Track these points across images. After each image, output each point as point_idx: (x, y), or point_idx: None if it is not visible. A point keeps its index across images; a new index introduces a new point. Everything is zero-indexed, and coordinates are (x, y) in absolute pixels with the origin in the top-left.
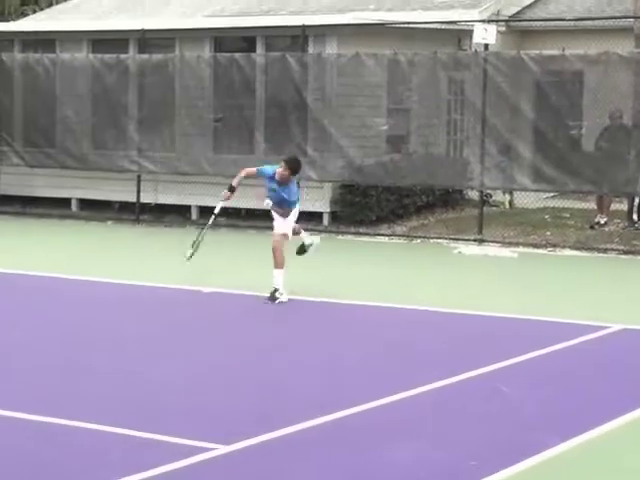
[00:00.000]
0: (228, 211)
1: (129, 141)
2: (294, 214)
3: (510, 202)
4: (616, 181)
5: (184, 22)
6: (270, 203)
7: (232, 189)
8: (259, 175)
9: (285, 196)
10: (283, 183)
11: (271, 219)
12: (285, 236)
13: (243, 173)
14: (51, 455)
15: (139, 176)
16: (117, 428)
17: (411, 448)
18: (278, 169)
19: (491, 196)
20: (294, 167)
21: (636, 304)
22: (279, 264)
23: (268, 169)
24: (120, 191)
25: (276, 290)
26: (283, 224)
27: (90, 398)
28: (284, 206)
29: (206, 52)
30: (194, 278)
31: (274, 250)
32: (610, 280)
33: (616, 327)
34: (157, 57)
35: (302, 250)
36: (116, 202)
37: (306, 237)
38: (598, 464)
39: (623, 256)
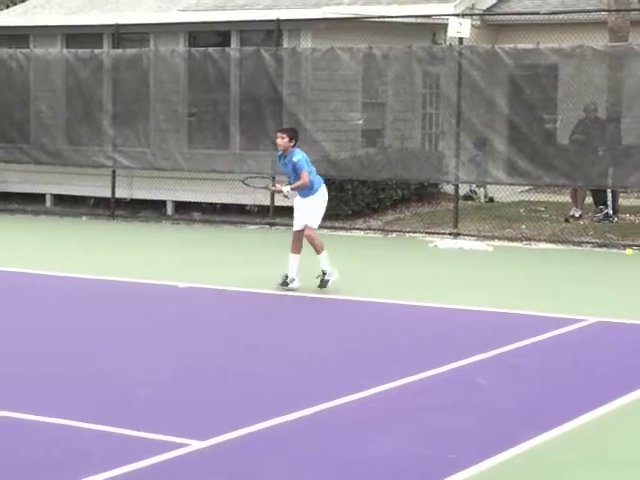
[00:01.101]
0: (202, 206)
1: (104, 136)
2: (316, 205)
3: (486, 195)
4: (590, 174)
5: (158, 17)
6: (288, 189)
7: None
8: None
9: (292, 164)
10: (285, 153)
11: (245, 213)
12: (309, 229)
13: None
14: (28, 451)
15: (114, 171)
16: (93, 424)
17: (389, 441)
18: (277, 140)
19: (476, 193)
20: (289, 132)
21: (610, 297)
22: (320, 249)
23: (277, 158)
24: (95, 186)
25: (324, 273)
26: (303, 216)
27: (67, 394)
28: (293, 188)
29: (180, 47)
30: (170, 273)
31: (309, 239)
32: (585, 273)
33: (591, 320)
34: (131, 52)
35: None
36: (91, 197)
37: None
38: (575, 456)
39: (598, 249)
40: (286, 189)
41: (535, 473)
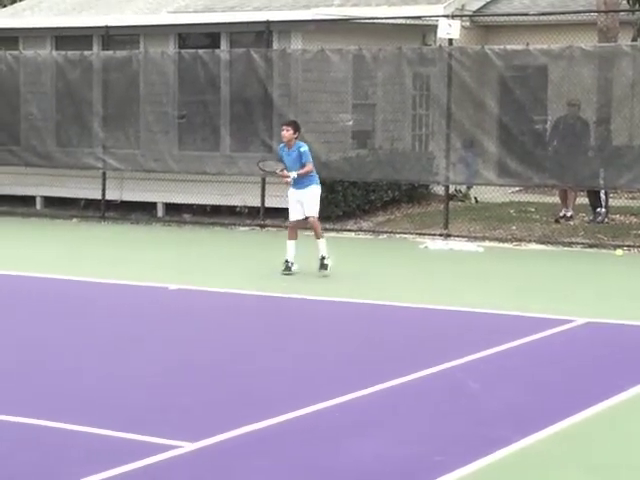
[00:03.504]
0: (193, 207)
1: (94, 138)
2: (315, 195)
3: (476, 197)
4: (580, 175)
5: (148, 18)
6: (295, 174)
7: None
8: (280, 159)
9: (297, 154)
10: (290, 144)
11: (235, 215)
12: (311, 220)
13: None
14: (15, 454)
15: (104, 173)
16: (84, 427)
17: (375, 444)
18: (281, 133)
19: (461, 192)
20: (293, 124)
21: (600, 298)
22: (321, 234)
23: (278, 151)
24: (85, 188)
25: (324, 257)
26: (304, 206)
27: (56, 396)
28: (300, 173)
29: (170, 48)
30: (160, 275)
31: (314, 225)
32: (575, 274)
33: (580, 321)
34: (121, 54)
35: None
36: (81, 199)
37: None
38: (562, 459)
39: (588, 250)
40: (293, 174)
41: (522, 475)
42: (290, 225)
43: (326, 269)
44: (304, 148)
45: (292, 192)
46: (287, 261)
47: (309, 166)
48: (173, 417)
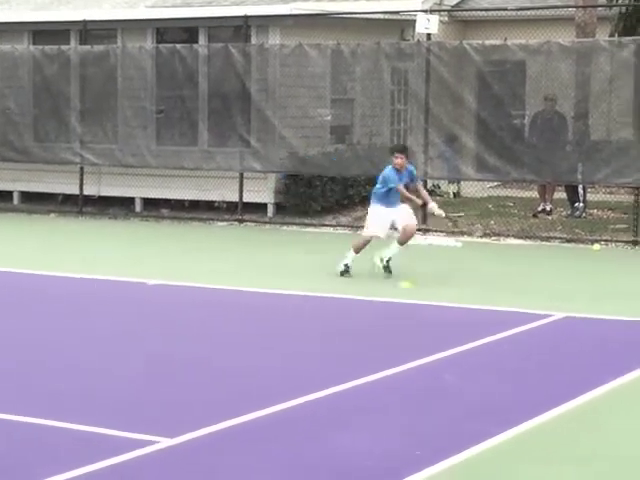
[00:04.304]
0: (171, 202)
1: (71, 133)
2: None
3: (455, 193)
4: (558, 170)
5: (126, 13)
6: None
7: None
8: (400, 182)
9: (409, 175)
10: (402, 169)
11: (213, 210)
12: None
13: (407, 193)
14: None
15: (82, 168)
16: (60, 422)
17: (356, 438)
18: (396, 161)
19: (439, 187)
20: (404, 150)
21: (578, 292)
22: (405, 242)
23: (390, 174)
24: (63, 183)
25: (389, 259)
26: (386, 227)
27: (33, 391)
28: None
29: (148, 43)
30: (139, 270)
31: (409, 231)
32: (553, 268)
33: (559, 315)
34: (99, 48)
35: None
36: (59, 194)
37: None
38: (543, 452)
39: (566, 244)
40: (436, 207)
41: (503, 469)
42: (364, 240)
43: (391, 273)
44: (412, 166)
45: (382, 210)
46: (347, 265)
47: (420, 187)
48: (150, 412)
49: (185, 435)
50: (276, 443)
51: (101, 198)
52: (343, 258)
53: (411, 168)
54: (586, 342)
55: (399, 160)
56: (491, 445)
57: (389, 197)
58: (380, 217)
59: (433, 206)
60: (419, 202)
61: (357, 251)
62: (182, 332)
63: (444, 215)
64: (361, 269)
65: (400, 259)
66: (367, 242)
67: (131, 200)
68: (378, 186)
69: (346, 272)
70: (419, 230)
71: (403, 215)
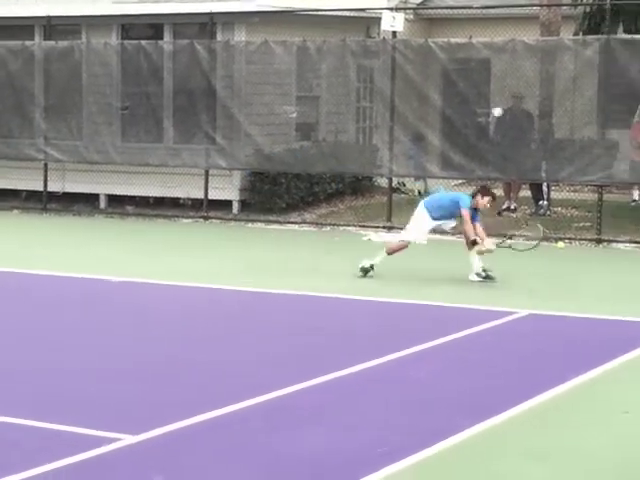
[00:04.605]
0: (136, 199)
1: (35, 129)
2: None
3: (420, 191)
4: (523, 168)
5: (90, 8)
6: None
7: (475, 243)
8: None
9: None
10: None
11: (179, 207)
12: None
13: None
14: None
15: (46, 164)
16: (23, 419)
17: (322, 435)
18: (481, 201)
19: (404, 184)
20: (494, 198)
21: (542, 290)
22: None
23: (466, 199)
24: (27, 180)
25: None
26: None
27: None
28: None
29: (113, 39)
30: (103, 268)
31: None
32: (517, 266)
33: (523, 312)
34: (63, 44)
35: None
36: (23, 191)
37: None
38: (505, 447)
39: (530, 242)
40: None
41: (468, 465)
42: (402, 244)
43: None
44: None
45: (428, 219)
46: (372, 265)
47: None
48: (114, 409)
49: (149, 432)
50: (239, 439)
51: (65, 195)
52: (372, 257)
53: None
54: (550, 339)
55: (485, 203)
56: (456, 442)
57: (441, 212)
58: (425, 225)
59: (487, 242)
60: (472, 238)
61: (390, 253)
62: (146, 329)
63: (493, 249)
64: (331, 267)
65: (366, 257)
66: (404, 247)
67: (96, 197)
68: (443, 198)
69: (368, 270)
70: (384, 228)
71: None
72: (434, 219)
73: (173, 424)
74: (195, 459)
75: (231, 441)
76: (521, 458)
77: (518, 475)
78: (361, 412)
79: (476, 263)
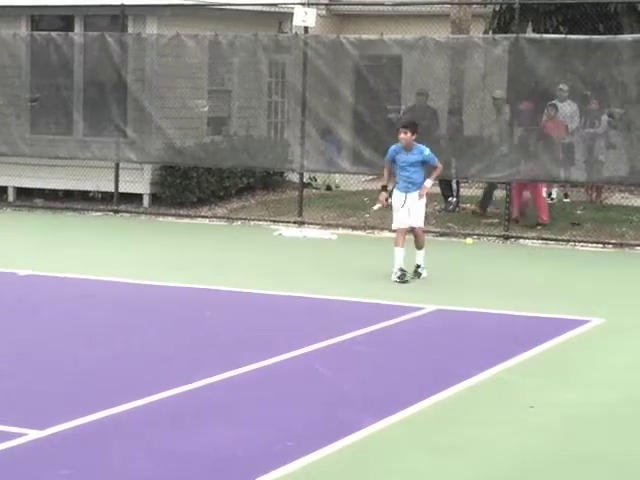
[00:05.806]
0: (45, 192)
1: None
2: (423, 203)
3: (329, 185)
4: None
5: None
6: (379, 206)
7: (385, 188)
8: (389, 162)
9: (420, 157)
10: (408, 147)
11: (88, 200)
12: (417, 230)
13: (386, 172)
14: None
15: None
16: None
17: (228, 430)
18: (399, 135)
19: (316, 180)
20: (412, 126)
21: (449, 286)
22: (423, 245)
23: (390, 149)
24: None
25: (419, 266)
26: (413, 216)
27: None
28: (415, 180)
29: (23, 30)
30: (9, 260)
31: (421, 236)
32: (426, 262)
33: (430, 308)
34: None
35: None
36: None
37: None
38: (411, 442)
39: (439, 238)
40: (429, 183)
41: (377, 458)
42: (399, 232)
43: (418, 277)
44: (428, 151)
45: (398, 196)
46: (401, 269)
47: (440, 165)
48: (18, 404)
49: (54, 427)
50: (148, 434)
51: None
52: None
53: (422, 148)
54: (456, 334)
55: (401, 135)
56: (362, 436)
57: (400, 178)
58: (396, 205)
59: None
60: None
61: (398, 244)
62: (53, 323)
63: (376, 208)
64: (242, 262)
65: (276, 251)
66: (402, 233)
67: (4, 189)
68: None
69: (403, 276)
70: (295, 223)
71: (414, 211)
72: (401, 190)
73: (79, 419)
74: (101, 455)
75: (139, 437)
76: (428, 452)
77: (426, 468)
78: (265, 408)
79: (420, 259)
